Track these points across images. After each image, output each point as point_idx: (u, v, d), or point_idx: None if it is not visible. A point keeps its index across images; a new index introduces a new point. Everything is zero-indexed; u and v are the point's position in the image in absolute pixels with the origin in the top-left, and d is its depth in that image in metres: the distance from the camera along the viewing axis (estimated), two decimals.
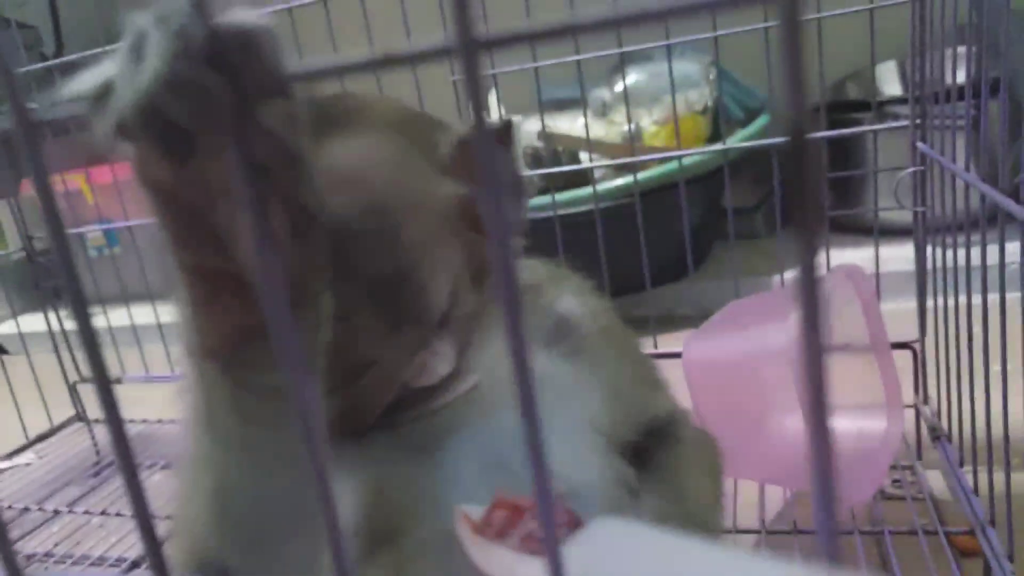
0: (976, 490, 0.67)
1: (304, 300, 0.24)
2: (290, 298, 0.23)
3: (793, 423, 0.71)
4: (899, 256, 1.19)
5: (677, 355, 0.76)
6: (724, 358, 0.74)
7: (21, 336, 1.18)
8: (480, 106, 0.14)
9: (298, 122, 0.21)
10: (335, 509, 0.17)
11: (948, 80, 0.71)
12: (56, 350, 1.14)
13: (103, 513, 0.96)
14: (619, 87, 1.40)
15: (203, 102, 0.18)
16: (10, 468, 1.10)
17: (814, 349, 0.13)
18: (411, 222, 0.34)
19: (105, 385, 0.17)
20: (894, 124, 0.82)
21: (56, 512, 0.99)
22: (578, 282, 0.48)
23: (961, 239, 0.68)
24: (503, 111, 1.04)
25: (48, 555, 0.91)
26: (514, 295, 0.14)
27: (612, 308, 0.48)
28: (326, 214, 0.23)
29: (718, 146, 0.89)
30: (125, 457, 0.17)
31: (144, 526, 0.18)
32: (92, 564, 0.87)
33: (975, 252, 0.63)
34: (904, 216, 0.86)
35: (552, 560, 0.15)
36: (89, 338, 0.17)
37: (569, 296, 0.45)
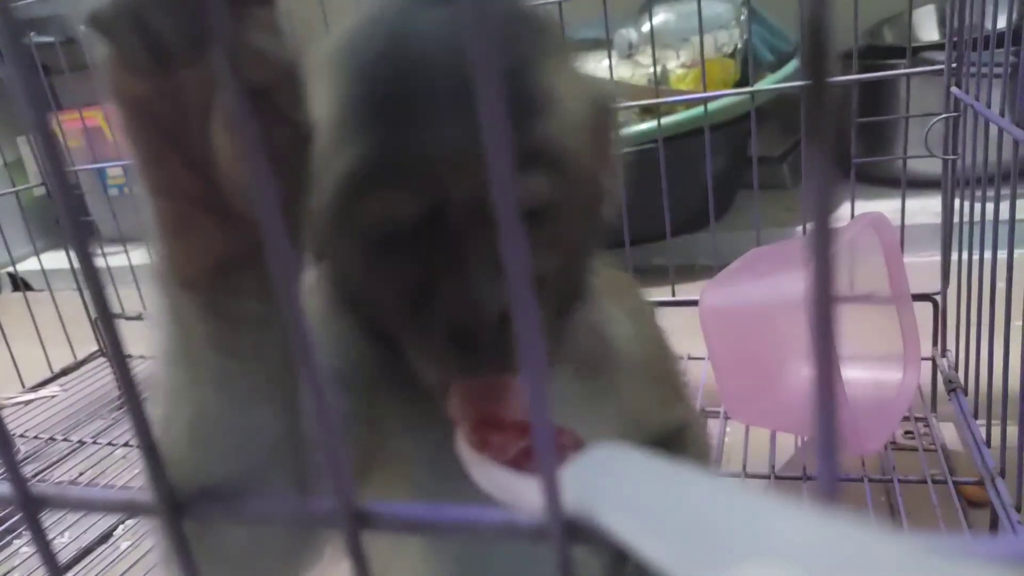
0: (988, 442, 0.67)
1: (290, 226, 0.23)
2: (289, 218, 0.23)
3: (807, 371, 0.71)
4: (926, 208, 1.17)
5: (694, 303, 0.76)
6: (740, 306, 0.73)
7: (44, 273, 1.20)
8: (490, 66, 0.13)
9: (285, 36, 0.20)
10: (337, 436, 0.17)
11: (988, 26, 0.68)
12: (79, 286, 1.16)
13: (126, 444, 0.98)
14: (646, 27, 1.36)
15: (186, 7, 0.17)
16: (36, 400, 1.13)
17: (824, 300, 0.12)
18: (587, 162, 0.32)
19: (108, 321, 0.17)
20: (929, 68, 0.79)
21: (81, 443, 1.02)
22: (635, 301, 0.44)
23: (991, 193, 0.66)
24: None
25: (74, 484, 0.94)
26: (524, 277, 0.14)
27: (661, 334, 0.45)
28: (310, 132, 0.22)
29: (745, 90, 0.87)
30: (130, 389, 0.17)
31: (149, 455, 0.18)
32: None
33: (1004, 205, 0.62)
34: (933, 168, 0.83)
35: (547, 477, 0.15)
36: (91, 276, 0.17)
37: (622, 321, 0.41)
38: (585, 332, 0.39)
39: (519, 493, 0.21)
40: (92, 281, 0.17)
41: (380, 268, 0.31)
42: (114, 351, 0.17)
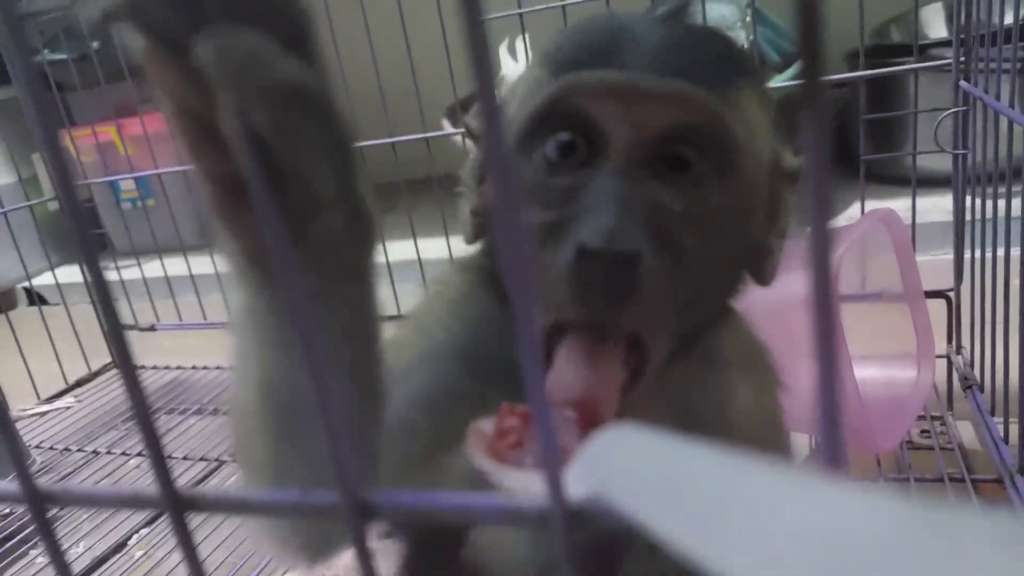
0: (1006, 439, 0.66)
1: (328, 200, 0.23)
2: (311, 199, 0.23)
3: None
4: (938, 206, 1.16)
5: None
6: (751, 305, 0.72)
7: (59, 286, 1.21)
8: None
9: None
10: (340, 427, 0.17)
11: (996, 21, 0.68)
12: (93, 299, 1.17)
13: (140, 454, 0.99)
14: None
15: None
16: (51, 411, 1.14)
17: (823, 309, 0.12)
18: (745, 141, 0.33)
19: (117, 332, 0.17)
20: (936, 63, 0.78)
21: (95, 453, 1.03)
22: (764, 372, 0.41)
23: (1002, 189, 0.65)
24: (531, 55, 1.02)
25: None
26: (526, 282, 0.14)
27: (780, 414, 0.41)
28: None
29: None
30: (139, 403, 0.17)
31: (153, 450, 0.18)
32: None
33: (1016, 202, 0.61)
34: (943, 165, 0.83)
35: (549, 463, 0.15)
36: (99, 285, 0.17)
37: (744, 391, 0.38)
38: (700, 388, 0.37)
39: (534, 485, 0.21)
40: (101, 292, 0.17)
41: (540, 197, 0.32)
42: (120, 356, 0.17)
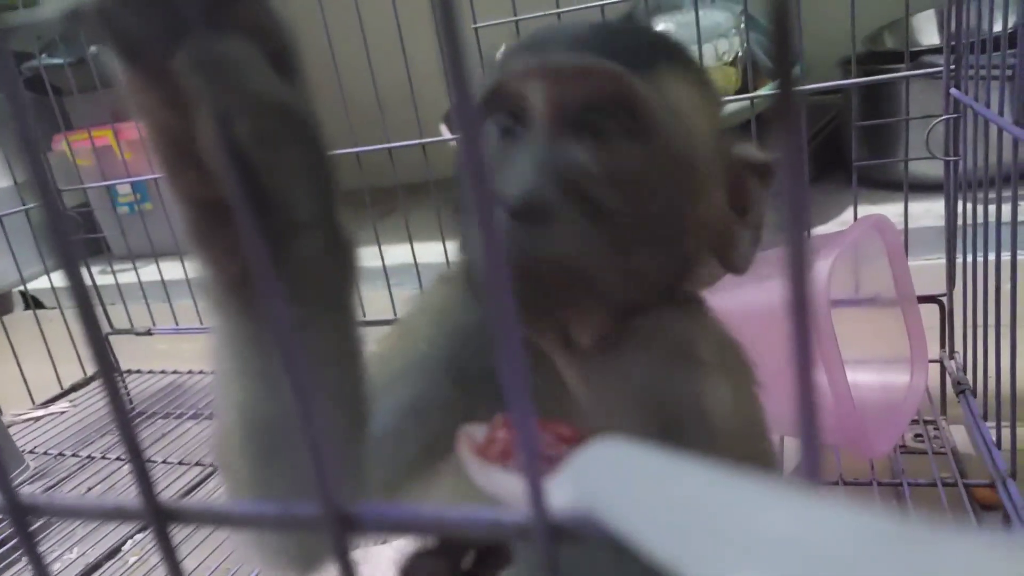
0: (999, 444, 0.66)
1: (305, 221, 0.23)
2: (289, 221, 0.23)
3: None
4: (931, 212, 1.16)
5: None
6: (740, 310, 0.73)
7: (55, 291, 1.21)
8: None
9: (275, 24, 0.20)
10: (320, 438, 0.17)
11: (986, 28, 0.68)
12: (82, 305, 1.17)
13: None
14: None
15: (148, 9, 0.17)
16: (46, 416, 1.14)
17: (800, 317, 0.12)
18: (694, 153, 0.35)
19: (98, 339, 0.17)
20: (927, 71, 0.79)
21: (90, 458, 1.03)
22: (740, 372, 0.41)
23: (992, 195, 0.66)
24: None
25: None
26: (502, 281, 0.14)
27: (760, 412, 0.41)
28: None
29: (744, 96, 0.87)
30: (121, 414, 0.17)
31: (136, 462, 0.18)
32: None
33: (1006, 206, 0.61)
34: (935, 171, 0.83)
35: (530, 475, 0.15)
36: (80, 292, 0.17)
37: (723, 393, 0.38)
38: (677, 389, 0.37)
39: (518, 493, 0.21)
40: (81, 298, 0.17)
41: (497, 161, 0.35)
42: (103, 366, 0.17)
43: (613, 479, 0.17)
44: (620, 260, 0.34)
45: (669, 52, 0.37)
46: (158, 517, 0.18)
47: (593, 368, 0.37)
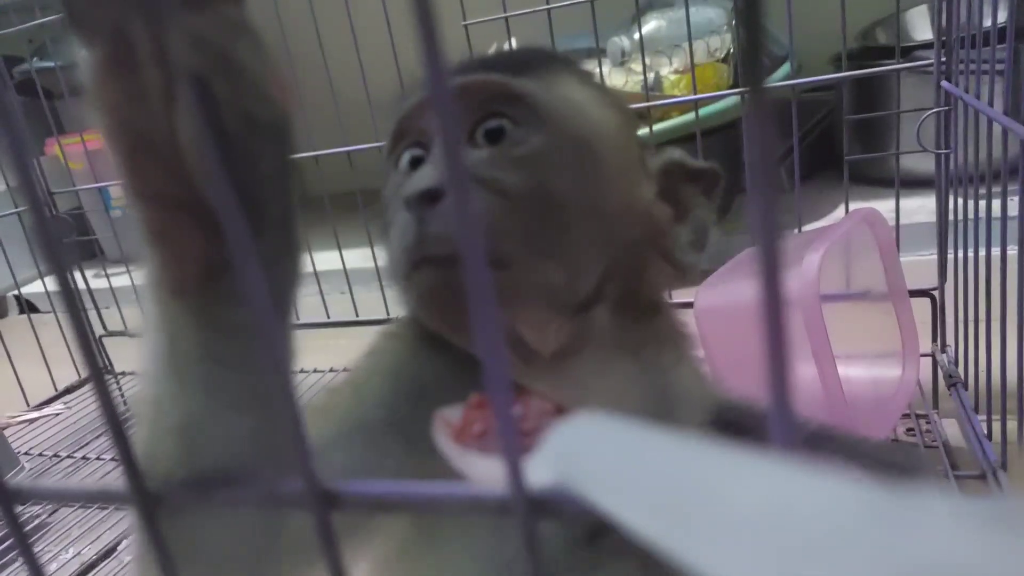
0: (990, 436, 0.66)
1: (270, 221, 0.23)
2: (258, 219, 0.23)
3: (804, 371, 0.70)
4: (923, 207, 1.17)
5: (690, 304, 0.76)
6: (734, 306, 0.73)
7: (48, 295, 1.21)
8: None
9: (235, 24, 0.20)
10: (304, 440, 0.17)
11: (978, 22, 0.69)
12: (82, 307, 1.17)
13: None
14: (638, 35, 1.37)
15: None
16: (41, 418, 1.14)
17: (773, 319, 0.13)
18: (611, 163, 0.37)
19: (86, 339, 0.17)
20: (918, 63, 0.79)
21: (85, 459, 1.03)
22: (691, 358, 0.42)
23: (983, 190, 0.66)
24: None
25: None
26: (485, 285, 0.14)
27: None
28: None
29: (734, 91, 0.87)
30: (103, 392, 0.17)
31: (121, 446, 0.18)
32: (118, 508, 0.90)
33: (997, 200, 0.62)
34: (927, 166, 0.83)
35: (509, 451, 0.15)
36: (68, 296, 0.17)
37: (689, 380, 0.40)
38: (643, 398, 0.38)
39: (497, 472, 0.21)
40: (71, 303, 0.17)
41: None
42: (93, 370, 0.18)
43: (592, 453, 0.17)
44: (541, 244, 0.34)
45: (562, 62, 0.40)
46: (144, 501, 0.18)
47: (555, 377, 0.37)
